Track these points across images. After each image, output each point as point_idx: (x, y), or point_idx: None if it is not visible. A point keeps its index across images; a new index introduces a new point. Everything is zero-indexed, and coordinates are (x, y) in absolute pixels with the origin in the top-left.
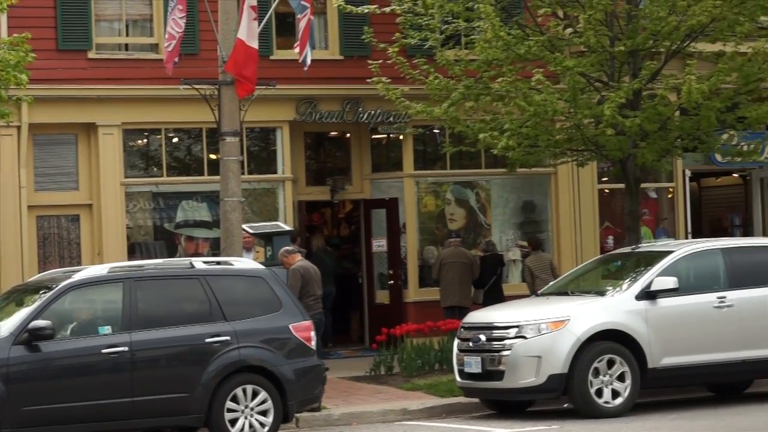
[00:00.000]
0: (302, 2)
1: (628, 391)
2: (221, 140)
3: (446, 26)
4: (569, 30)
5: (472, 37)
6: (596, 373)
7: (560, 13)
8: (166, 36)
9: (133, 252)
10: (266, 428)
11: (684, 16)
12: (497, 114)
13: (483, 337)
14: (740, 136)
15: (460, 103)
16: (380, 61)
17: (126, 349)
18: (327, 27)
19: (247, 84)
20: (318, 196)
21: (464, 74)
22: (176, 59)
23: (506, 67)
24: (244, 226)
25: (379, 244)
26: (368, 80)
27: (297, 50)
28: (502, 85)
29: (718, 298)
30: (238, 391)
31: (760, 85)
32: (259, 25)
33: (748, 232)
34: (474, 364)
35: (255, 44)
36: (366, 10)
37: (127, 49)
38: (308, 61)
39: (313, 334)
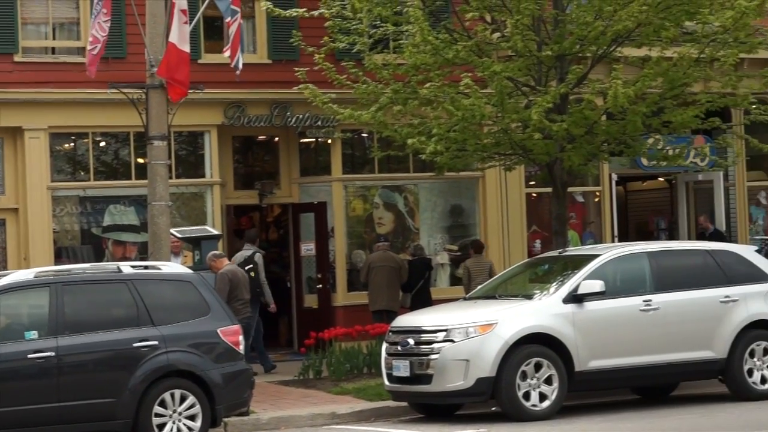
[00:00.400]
0: (232, 6)
1: (555, 394)
2: (149, 144)
3: (375, 30)
4: (497, 34)
5: (401, 41)
6: (524, 376)
7: (488, 18)
8: (91, 39)
9: (60, 256)
10: None
11: (610, 21)
12: (425, 118)
13: (411, 341)
14: (666, 140)
15: (388, 108)
16: (308, 69)
17: (52, 354)
18: (255, 31)
19: (179, 88)
20: (246, 200)
21: (392, 78)
22: (98, 63)
23: (434, 72)
24: (172, 231)
25: (308, 248)
26: (296, 88)
27: (227, 54)
28: (430, 89)
29: (645, 301)
30: (166, 395)
31: (685, 89)
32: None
33: (673, 236)
34: (402, 368)
35: (186, 48)
36: (294, 14)
37: (54, 53)
38: (240, 66)
39: (241, 338)
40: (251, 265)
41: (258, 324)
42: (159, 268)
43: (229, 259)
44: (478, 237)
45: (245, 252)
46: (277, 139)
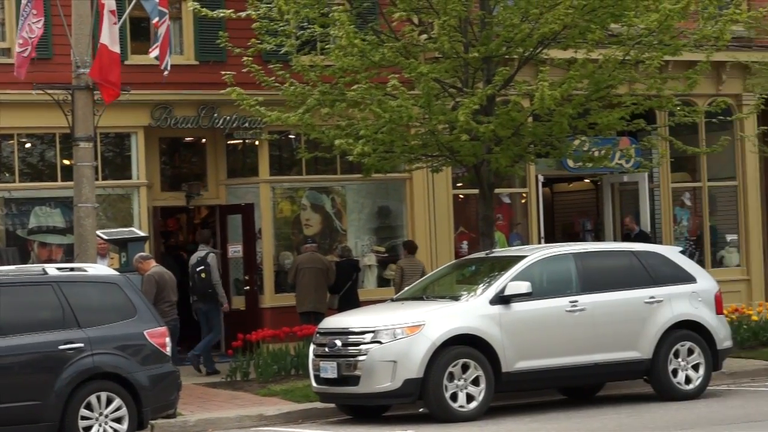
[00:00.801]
0: (159, 7)
1: (482, 395)
2: (75, 146)
3: (302, 32)
4: (424, 36)
5: (327, 45)
6: (451, 377)
7: (415, 19)
8: (21, 41)
9: None
10: None
11: (537, 24)
12: (353, 120)
13: (339, 343)
14: (591, 142)
15: (316, 110)
16: (234, 73)
17: None
18: (182, 32)
19: (112, 89)
20: (173, 202)
21: (320, 80)
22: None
23: (361, 74)
24: (98, 232)
25: (235, 250)
26: (223, 91)
27: (153, 55)
28: (358, 91)
29: (571, 302)
30: (92, 398)
31: (610, 91)
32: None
33: (599, 237)
34: (330, 370)
35: (117, 49)
36: (221, 15)
37: None
38: (169, 67)
39: (168, 340)
40: (202, 267)
41: (218, 326)
42: (85, 270)
43: (161, 261)
44: (407, 238)
45: (199, 253)
46: (204, 140)
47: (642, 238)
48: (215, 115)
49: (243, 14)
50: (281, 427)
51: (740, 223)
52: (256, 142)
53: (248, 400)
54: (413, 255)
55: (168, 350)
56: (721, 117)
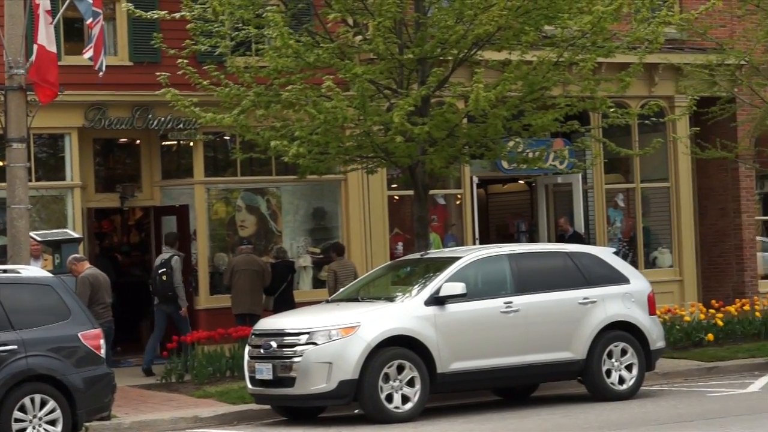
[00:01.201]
0: (93, 8)
1: (417, 396)
2: (8, 147)
3: (236, 33)
4: (359, 37)
5: (261, 46)
6: (386, 378)
7: (350, 21)
8: None
9: None
10: None
11: (471, 25)
12: (288, 121)
13: (274, 344)
14: (526, 143)
15: (251, 111)
16: (169, 74)
17: None
18: (116, 32)
19: (50, 89)
20: (107, 203)
21: (254, 82)
22: None
23: (296, 75)
24: (31, 234)
25: None
26: (157, 93)
27: (87, 56)
28: (292, 92)
29: (505, 303)
30: (26, 400)
31: (544, 93)
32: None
33: (533, 238)
34: (265, 371)
35: (54, 48)
36: (155, 16)
37: None
38: (104, 68)
39: (102, 342)
40: (165, 269)
41: (161, 325)
42: (18, 272)
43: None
44: (340, 240)
45: (163, 255)
46: (138, 141)
47: (576, 239)
48: (150, 116)
49: (177, 15)
50: (216, 429)
51: (673, 224)
52: (191, 144)
53: (183, 401)
54: (343, 257)
55: (102, 352)
56: (654, 119)
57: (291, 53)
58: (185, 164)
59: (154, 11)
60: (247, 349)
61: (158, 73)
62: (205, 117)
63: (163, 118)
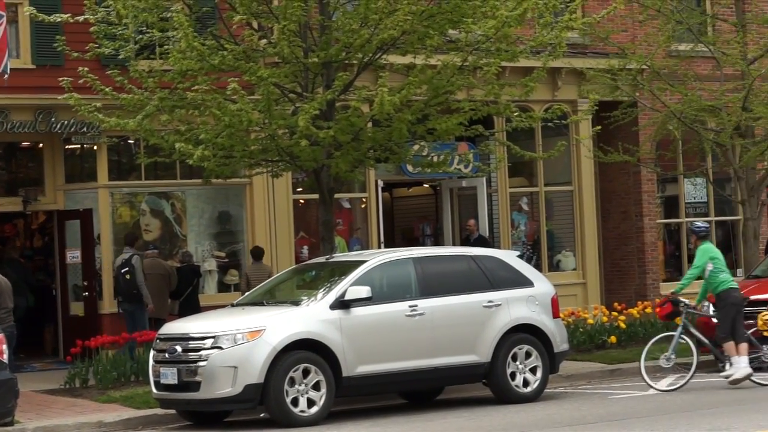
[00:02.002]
0: None
1: (323, 399)
2: None
3: (141, 36)
4: (264, 41)
5: (167, 47)
6: (292, 382)
7: (255, 24)
8: None
9: None
10: None
11: (376, 29)
12: (192, 124)
13: (179, 348)
14: (430, 147)
15: (155, 115)
16: (72, 78)
17: None
18: (19, 35)
19: None
20: (10, 207)
21: (158, 86)
22: None
23: (201, 78)
24: None
25: (74, 256)
26: (60, 97)
27: None
28: (197, 94)
29: (410, 306)
30: None
31: (449, 97)
32: None
33: (438, 242)
34: (170, 376)
35: None
36: (58, 19)
37: None
38: (8, 71)
39: (5, 347)
40: (127, 269)
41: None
42: None
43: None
44: (248, 243)
45: (123, 255)
46: (41, 145)
47: (481, 242)
48: (53, 119)
49: (81, 18)
50: None
51: (576, 228)
52: (95, 147)
53: (87, 407)
54: (260, 261)
55: (5, 357)
56: (557, 122)
57: (196, 55)
58: (89, 168)
59: (57, 14)
60: (152, 353)
61: (60, 79)
62: (109, 122)
63: (66, 122)
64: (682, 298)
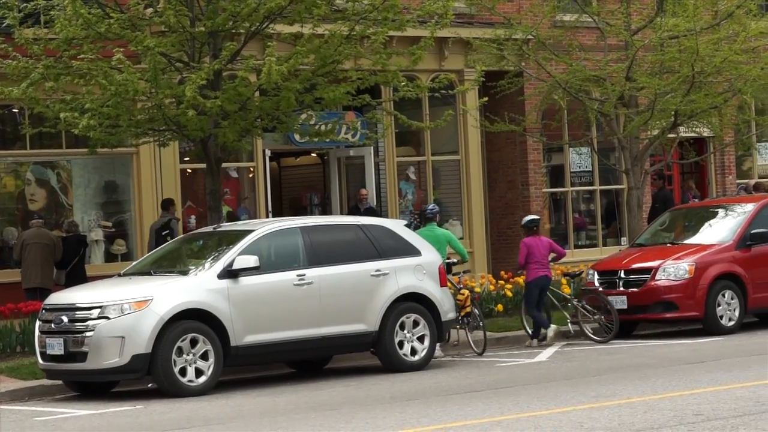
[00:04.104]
0: None
1: (211, 369)
2: None
3: (25, 4)
4: (150, 9)
5: (52, 13)
6: (180, 352)
7: None
8: None
9: None
10: None
11: None
12: (78, 94)
13: (65, 319)
14: (318, 116)
15: (40, 83)
16: None
17: None
18: None
19: None
20: None
21: (44, 54)
22: None
23: (87, 46)
24: None
25: None
26: None
27: None
28: (83, 63)
29: (298, 275)
30: None
31: (336, 66)
32: None
33: (326, 211)
34: (56, 346)
35: None
36: None
37: None
38: None
39: None
40: (168, 231)
41: None
42: None
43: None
44: (139, 213)
45: (162, 219)
46: None
47: (369, 212)
48: None
49: None
50: (7, 405)
51: (463, 197)
52: None
53: None
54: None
55: None
56: (444, 92)
57: (82, 23)
58: None
59: None
60: (37, 324)
61: None
62: None
63: None
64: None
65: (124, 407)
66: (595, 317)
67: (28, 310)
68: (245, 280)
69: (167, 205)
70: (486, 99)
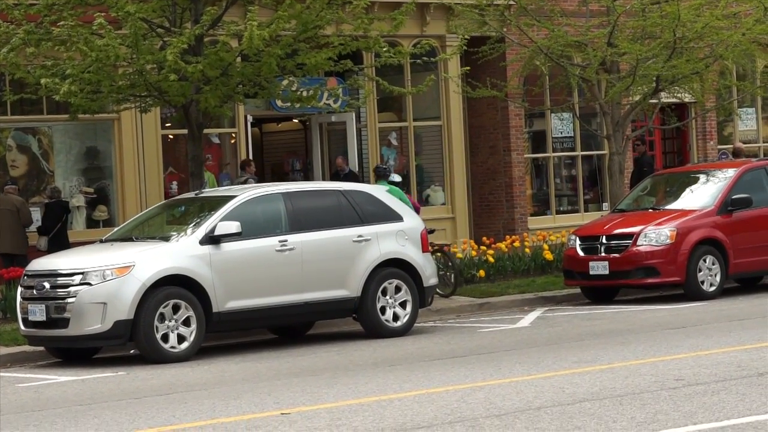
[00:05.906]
0: None
1: (193, 335)
2: None
3: None
4: None
5: None
6: (162, 318)
7: None
8: None
9: None
10: None
11: None
12: (59, 60)
13: (47, 285)
14: (300, 82)
15: (21, 49)
16: None
17: None
18: None
19: None
20: None
21: (24, 19)
22: None
23: (67, 12)
24: None
25: None
26: None
27: None
28: (63, 28)
29: (280, 241)
30: None
31: (318, 32)
32: None
33: (308, 177)
34: (38, 312)
35: None
36: None
37: None
38: None
39: None
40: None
41: None
42: None
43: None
44: (121, 179)
45: (240, 178)
46: None
47: (351, 177)
48: None
49: None
50: None
51: (445, 163)
52: None
53: None
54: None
55: None
56: (426, 58)
57: None
58: None
59: None
60: (19, 290)
61: None
62: None
63: None
64: None
65: (107, 373)
66: (440, 273)
67: (10, 276)
68: (227, 246)
69: (245, 165)
70: (468, 68)
